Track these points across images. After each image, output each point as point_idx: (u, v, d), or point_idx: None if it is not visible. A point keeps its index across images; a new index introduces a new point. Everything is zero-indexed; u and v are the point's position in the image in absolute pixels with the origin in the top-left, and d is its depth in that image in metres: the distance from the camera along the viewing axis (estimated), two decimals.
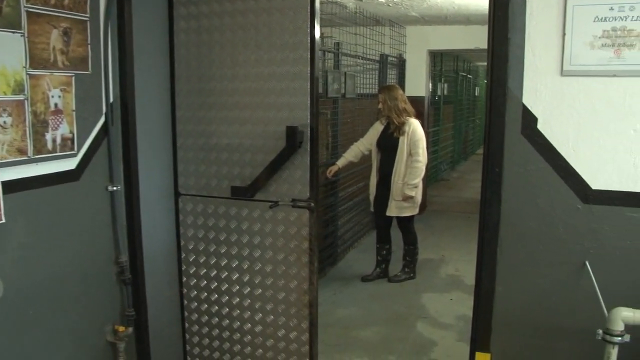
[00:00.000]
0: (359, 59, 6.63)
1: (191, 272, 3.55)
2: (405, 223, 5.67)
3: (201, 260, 3.50)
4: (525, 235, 2.63)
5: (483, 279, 2.71)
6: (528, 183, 2.58)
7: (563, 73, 2.46)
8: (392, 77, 7.74)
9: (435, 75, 10.45)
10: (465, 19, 7.58)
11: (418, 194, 5.46)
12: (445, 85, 11.81)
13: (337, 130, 6.01)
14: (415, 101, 5.53)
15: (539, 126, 2.53)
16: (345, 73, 6.20)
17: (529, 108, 2.53)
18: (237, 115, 3.24)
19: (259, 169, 3.20)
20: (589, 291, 2.44)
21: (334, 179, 5.94)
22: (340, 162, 5.67)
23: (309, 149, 3.09)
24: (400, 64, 8.15)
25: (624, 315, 2.21)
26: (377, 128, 5.62)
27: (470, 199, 9.94)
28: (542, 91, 2.50)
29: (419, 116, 5.57)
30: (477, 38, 7.84)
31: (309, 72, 3.03)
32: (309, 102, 3.06)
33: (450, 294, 5.46)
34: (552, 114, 2.50)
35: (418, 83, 8.48)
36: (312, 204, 3.12)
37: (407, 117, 5.36)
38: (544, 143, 2.53)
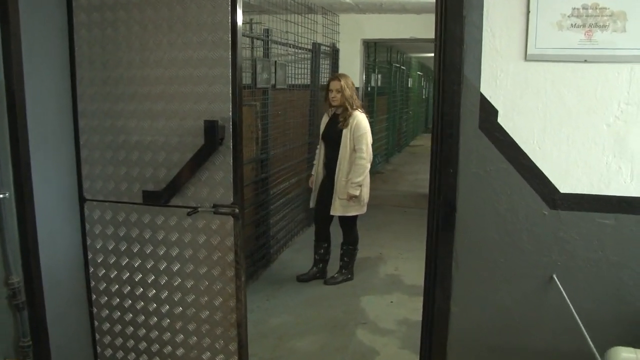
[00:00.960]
0: (290, 47, 6.30)
1: (101, 289, 3.17)
2: (349, 222, 5.39)
3: (112, 275, 3.13)
4: (484, 246, 2.36)
5: (436, 298, 2.41)
6: (487, 186, 2.31)
7: (527, 58, 2.19)
8: (325, 67, 7.48)
9: (369, 66, 10.27)
10: (400, 7, 7.49)
11: (364, 191, 5.20)
12: (379, 76, 11.68)
13: (267, 124, 5.67)
14: None
15: (500, 120, 2.25)
16: (275, 62, 5.87)
17: (488, 98, 2.25)
18: (149, 108, 2.86)
19: (175, 171, 2.84)
20: (557, 308, 2.23)
21: (264, 176, 5.65)
22: (314, 171, 5.45)
23: (231, 147, 2.75)
24: (334, 54, 7.87)
25: (624, 358, 1.82)
26: (324, 120, 5.33)
27: (406, 192, 9.84)
28: (503, 79, 2.23)
29: None
30: (413, 27, 7.85)
31: (230, 57, 2.68)
32: (230, 92, 2.71)
33: (391, 296, 5.22)
34: (515, 106, 2.24)
35: (352, 73, 8.24)
36: (237, 210, 2.77)
37: (353, 110, 5.04)
38: (506, 139, 2.26)
